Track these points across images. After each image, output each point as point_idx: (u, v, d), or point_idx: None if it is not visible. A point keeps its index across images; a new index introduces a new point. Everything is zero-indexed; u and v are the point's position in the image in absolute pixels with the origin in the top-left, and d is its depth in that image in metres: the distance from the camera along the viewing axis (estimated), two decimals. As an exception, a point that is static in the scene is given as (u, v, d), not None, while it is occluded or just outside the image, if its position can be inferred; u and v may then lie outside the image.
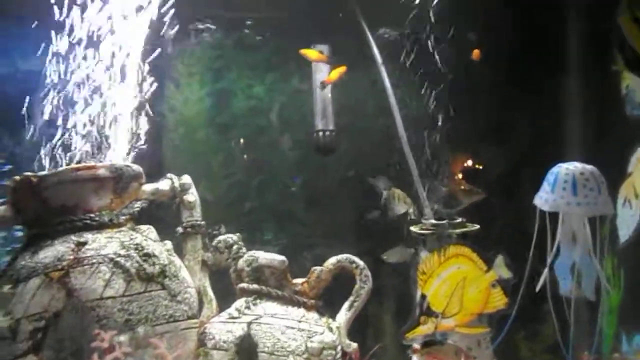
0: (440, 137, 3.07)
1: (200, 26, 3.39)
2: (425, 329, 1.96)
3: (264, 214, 3.36)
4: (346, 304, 2.50)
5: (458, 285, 1.91)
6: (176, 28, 2.82)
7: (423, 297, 1.95)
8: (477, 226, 2.71)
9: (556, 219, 2.35)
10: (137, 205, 2.39)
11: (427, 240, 2.74)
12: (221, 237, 2.62)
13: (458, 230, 2.66)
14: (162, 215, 2.71)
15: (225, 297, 2.61)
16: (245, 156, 3.44)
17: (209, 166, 3.35)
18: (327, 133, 3.13)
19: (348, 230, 3.37)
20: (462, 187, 2.71)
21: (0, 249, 2.77)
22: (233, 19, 3.44)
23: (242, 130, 3.41)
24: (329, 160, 3.34)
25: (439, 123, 3.07)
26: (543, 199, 2.24)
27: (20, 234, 2.84)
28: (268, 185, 3.39)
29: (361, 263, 2.54)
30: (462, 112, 3.18)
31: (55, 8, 2.54)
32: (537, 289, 2.15)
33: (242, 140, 3.43)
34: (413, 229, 2.80)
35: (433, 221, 2.74)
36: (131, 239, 2.19)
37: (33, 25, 2.72)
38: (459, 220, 2.72)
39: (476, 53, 2.98)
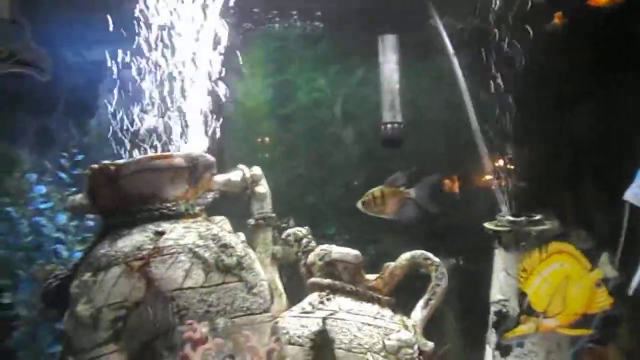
0: (512, 130, 2.96)
1: (264, 17, 3.35)
2: (526, 328, 1.86)
3: (327, 208, 3.31)
4: (421, 302, 2.41)
5: (561, 284, 1.80)
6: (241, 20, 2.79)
7: (523, 295, 1.85)
8: (557, 223, 2.58)
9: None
10: (210, 195, 2.36)
11: (502, 237, 2.62)
12: (290, 230, 2.57)
13: (537, 228, 2.53)
14: (227, 206, 2.69)
15: (291, 292, 2.57)
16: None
17: (270, 158, 3.31)
18: (395, 125, 3.05)
19: (413, 226, 3.28)
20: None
21: (72, 238, 2.79)
22: (297, 9, 3.40)
23: (304, 123, 3.37)
24: (394, 154, 3.26)
25: (510, 116, 2.95)
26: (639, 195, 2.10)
27: (91, 223, 2.88)
28: (331, 178, 3.34)
29: (436, 260, 2.44)
30: (536, 105, 3.05)
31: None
32: (631, 292, 2.01)
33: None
34: (487, 225, 2.69)
35: (510, 217, 2.63)
36: (208, 230, 2.16)
37: (99, 16, 2.71)
38: (538, 217, 2.59)
39: (559, 16, 2.80)
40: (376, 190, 2.48)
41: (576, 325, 1.85)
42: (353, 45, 3.29)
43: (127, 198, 2.16)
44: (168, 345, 1.97)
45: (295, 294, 2.52)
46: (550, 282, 1.82)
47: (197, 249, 2.05)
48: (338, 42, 3.38)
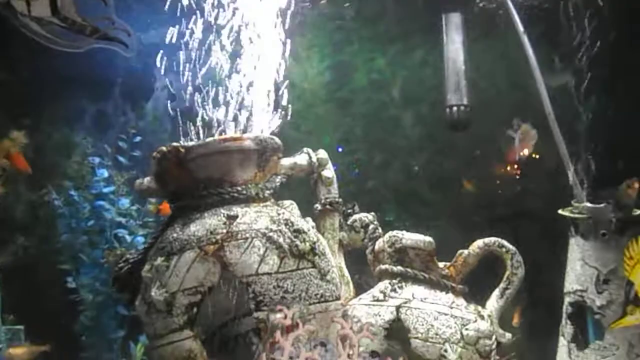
0: (586, 113, 2.80)
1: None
2: (633, 319, 1.74)
3: (386, 193, 3.21)
4: (497, 292, 2.32)
5: (672, 272, 1.68)
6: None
7: (630, 284, 1.73)
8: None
9: None
10: (278, 179, 2.29)
11: (580, 225, 2.49)
12: (357, 216, 2.49)
13: (619, 216, 2.38)
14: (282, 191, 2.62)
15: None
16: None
17: (328, 143, 3.23)
18: (462, 108, 2.91)
19: (476, 212, 3.17)
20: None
21: (134, 222, 2.77)
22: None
23: (363, 106, 3.27)
24: (456, 138, 3.13)
25: (583, 98, 2.79)
26: None
27: (151, 207, 2.84)
28: (390, 163, 3.24)
29: (512, 247, 2.34)
30: (612, 86, 2.89)
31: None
32: None
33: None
34: (562, 212, 2.55)
35: (588, 204, 2.48)
36: (279, 214, 2.09)
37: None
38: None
39: None
40: None
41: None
42: (415, 24, 3.16)
43: (197, 181, 2.10)
44: (239, 332, 1.93)
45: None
46: (660, 271, 1.70)
47: (270, 234, 1.98)
48: (399, 21, 3.25)
